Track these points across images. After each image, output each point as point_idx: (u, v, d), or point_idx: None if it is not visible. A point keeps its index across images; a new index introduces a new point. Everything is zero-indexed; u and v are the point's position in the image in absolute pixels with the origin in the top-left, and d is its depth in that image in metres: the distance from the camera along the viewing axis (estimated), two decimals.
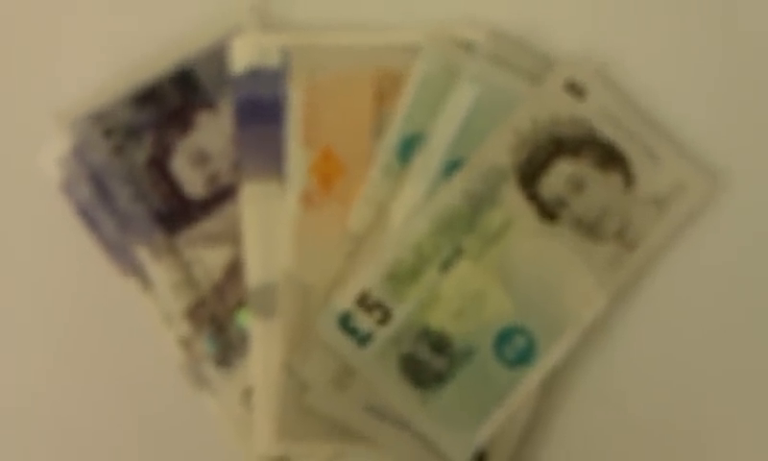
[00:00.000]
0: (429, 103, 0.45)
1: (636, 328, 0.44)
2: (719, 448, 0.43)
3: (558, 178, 0.44)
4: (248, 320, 0.44)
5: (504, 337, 0.42)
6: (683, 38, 0.46)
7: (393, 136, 0.44)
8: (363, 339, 0.42)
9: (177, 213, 0.45)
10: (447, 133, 0.44)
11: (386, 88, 0.45)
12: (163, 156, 0.46)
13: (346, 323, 0.42)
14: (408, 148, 0.44)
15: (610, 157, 0.44)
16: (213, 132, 0.46)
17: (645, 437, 0.43)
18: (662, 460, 0.43)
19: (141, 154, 0.46)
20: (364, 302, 0.42)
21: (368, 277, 0.42)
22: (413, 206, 0.43)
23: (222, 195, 0.46)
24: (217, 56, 0.46)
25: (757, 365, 0.43)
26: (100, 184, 0.46)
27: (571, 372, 0.43)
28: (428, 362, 0.42)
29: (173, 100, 0.46)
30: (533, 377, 0.42)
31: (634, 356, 0.43)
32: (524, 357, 0.42)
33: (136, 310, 0.45)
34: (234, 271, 0.45)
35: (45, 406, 0.45)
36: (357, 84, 0.45)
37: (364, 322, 0.42)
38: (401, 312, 0.42)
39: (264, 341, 0.44)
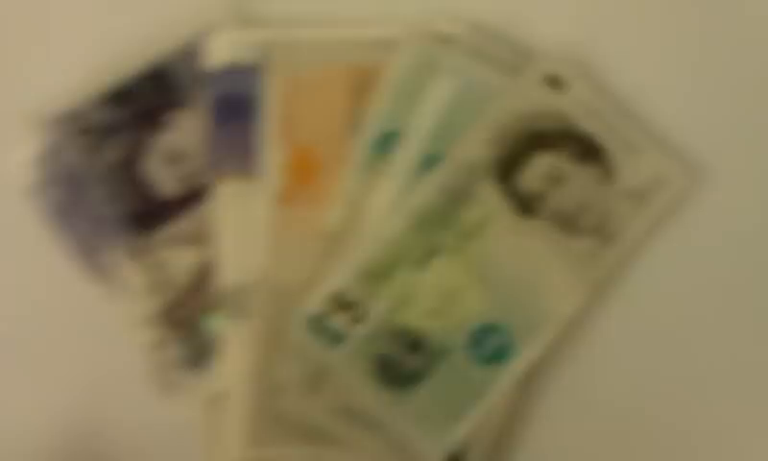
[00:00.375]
0: (407, 98, 0.44)
1: (616, 324, 0.43)
2: (702, 446, 0.42)
3: (536, 172, 0.43)
4: (221, 322, 0.43)
5: (480, 335, 0.41)
6: (664, 32, 0.45)
7: (370, 133, 0.44)
8: (337, 339, 0.41)
9: (150, 214, 0.45)
10: (425, 127, 0.43)
11: (364, 84, 0.44)
12: (137, 155, 0.45)
13: (319, 323, 0.41)
14: (386, 144, 0.44)
15: (589, 151, 0.43)
16: (188, 131, 0.45)
17: (625, 436, 0.42)
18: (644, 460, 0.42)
19: (115, 154, 0.45)
20: (338, 301, 0.41)
21: (342, 275, 0.42)
22: (389, 203, 0.43)
23: (197, 195, 0.45)
24: (192, 54, 0.46)
25: (739, 361, 0.42)
26: (73, 186, 0.45)
27: (549, 369, 0.43)
28: (403, 361, 0.41)
29: (147, 99, 0.46)
30: (510, 376, 0.41)
31: (613, 353, 0.43)
32: (501, 355, 0.41)
33: (108, 314, 0.44)
34: (208, 272, 0.44)
35: (12, 412, 0.44)
36: (334, 79, 0.45)
37: (338, 321, 0.41)
38: (376, 311, 0.41)
39: (237, 344, 0.43)
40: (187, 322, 0.44)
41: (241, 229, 0.44)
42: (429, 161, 0.43)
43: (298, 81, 0.45)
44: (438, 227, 0.42)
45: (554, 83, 0.43)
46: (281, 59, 0.45)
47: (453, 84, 0.43)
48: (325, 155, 0.44)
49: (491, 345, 0.41)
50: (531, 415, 0.43)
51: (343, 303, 0.41)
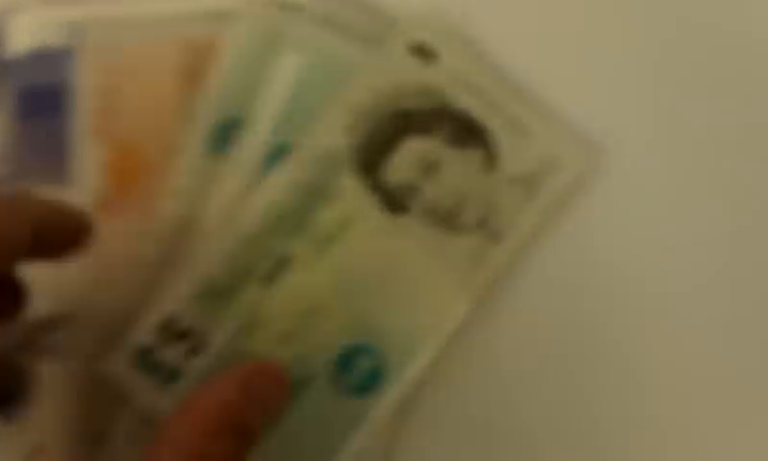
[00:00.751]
0: (248, 79, 0.37)
1: (507, 331, 0.36)
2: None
3: (405, 160, 0.36)
4: (34, 362, 0.35)
5: (347, 360, 0.34)
6: None
7: (206, 122, 0.36)
8: (169, 376, 0.34)
9: None
10: (270, 112, 0.36)
11: (197, 64, 0.37)
12: None
13: (146, 358, 0.34)
14: (225, 135, 0.36)
15: (467, 132, 0.36)
16: None
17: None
18: None
19: None
20: (170, 329, 0.34)
21: (174, 298, 0.34)
22: (229, 206, 0.35)
23: None
24: None
25: (645, 360, 0.36)
26: None
27: (431, 392, 0.36)
28: None
29: None
30: (384, 405, 0.34)
31: (507, 362, 0.36)
32: (372, 382, 0.34)
33: None
34: None
35: None
36: (161, 61, 0.37)
37: (170, 355, 0.34)
38: (217, 339, 0.34)
39: (54, 387, 0.35)
40: None
41: None
42: (277, 154, 0.36)
43: (117, 64, 0.37)
44: (289, 232, 0.35)
45: (422, 53, 0.37)
46: (96, 39, 0.38)
47: (302, 59, 0.36)
48: (153, 151, 0.37)
49: (360, 371, 0.34)
50: (413, 449, 0.36)
51: (176, 332, 0.34)
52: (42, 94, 0.37)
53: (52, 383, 0.35)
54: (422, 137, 0.36)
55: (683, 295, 0.36)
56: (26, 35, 0.38)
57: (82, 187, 0.36)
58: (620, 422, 0.36)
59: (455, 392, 0.36)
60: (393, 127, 0.36)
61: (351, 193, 0.35)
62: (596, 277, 0.36)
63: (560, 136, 0.36)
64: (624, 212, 0.37)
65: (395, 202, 0.36)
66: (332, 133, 0.36)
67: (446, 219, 0.36)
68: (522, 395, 0.36)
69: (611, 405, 0.36)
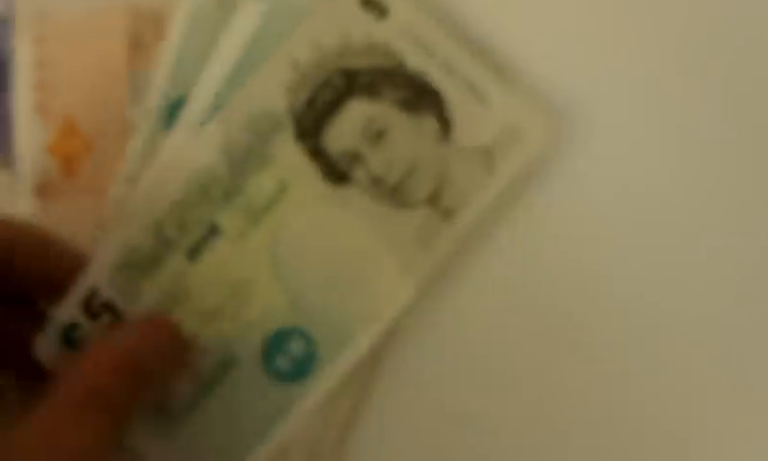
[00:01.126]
0: (204, 47, 0.34)
1: (461, 317, 0.33)
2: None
3: (350, 125, 0.33)
4: None
5: (276, 344, 0.32)
6: None
7: (158, 95, 0.34)
8: None
9: None
10: (222, 65, 0.33)
11: (146, 32, 0.35)
12: None
13: (71, 336, 0.32)
14: (179, 109, 0.33)
15: (418, 96, 0.33)
16: None
17: None
18: None
19: None
20: (92, 303, 0.32)
21: (96, 270, 0.32)
22: (161, 169, 0.33)
23: None
24: None
25: (608, 350, 0.33)
26: None
27: (385, 380, 0.33)
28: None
29: None
30: (312, 395, 0.32)
31: (459, 355, 0.33)
32: (302, 369, 0.32)
33: None
34: None
35: None
36: (105, 28, 0.35)
37: (90, 331, 0.32)
38: (137, 313, 0.32)
39: None
40: None
41: None
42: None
43: (56, 33, 0.35)
44: (219, 200, 0.32)
45: (372, 6, 0.33)
46: (32, 4, 0.35)
47: (262, 6, 0.33)
48: (100, 129, 0.34)
49: (289, 356, 0.32)
50: (369, 431, 0.33)
51: (97, 306, 0.32)
52: None
53: None
54: (369, 100, 0.33)
55: (653, 276, 0.32)
56: None
57: (24, 169, 0.34)
58: (584, 413, 0.33)
59: (408, 380, 0.33)
60: (337, 87, 0.33)
61: (289, 159, 0.32)
62: (561, 259, 0.33)
63: (522, 104, 0.33)
64: (592, 189, 0.33)
65: (336, 171, 0.33)
66: (270, 92, 0.33)
67: (393, 193, 0.32)
68: (480, 385, 0.33)
69: (570, 393, 0.33)
